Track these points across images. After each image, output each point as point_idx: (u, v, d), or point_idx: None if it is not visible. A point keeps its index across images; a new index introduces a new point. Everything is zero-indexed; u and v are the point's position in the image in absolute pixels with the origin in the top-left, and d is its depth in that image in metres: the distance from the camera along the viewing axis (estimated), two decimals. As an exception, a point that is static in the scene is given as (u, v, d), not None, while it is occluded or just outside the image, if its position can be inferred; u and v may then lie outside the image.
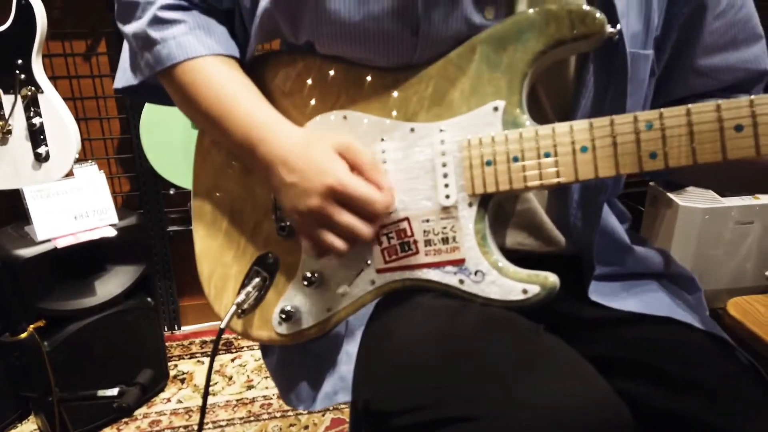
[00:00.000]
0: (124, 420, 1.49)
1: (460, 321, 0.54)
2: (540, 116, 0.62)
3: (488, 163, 0.56)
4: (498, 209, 0.63)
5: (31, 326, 1.05)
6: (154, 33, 0.63)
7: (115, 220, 1.32)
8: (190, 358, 1.72)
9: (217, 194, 0.68)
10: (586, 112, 0.61)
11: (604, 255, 0.66)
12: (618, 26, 0.56)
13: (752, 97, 0.48)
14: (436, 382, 0.49)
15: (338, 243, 0.56)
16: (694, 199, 1.79)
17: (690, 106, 0.50)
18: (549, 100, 0.62)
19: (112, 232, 1.28)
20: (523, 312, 0.58)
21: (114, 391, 0.84)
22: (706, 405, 0.58)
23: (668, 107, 0.51)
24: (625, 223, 0.73)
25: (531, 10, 0.56)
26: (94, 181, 1.28)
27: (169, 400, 1.55)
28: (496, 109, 0.57)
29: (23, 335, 1.04)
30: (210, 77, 0.63)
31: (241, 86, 0.63)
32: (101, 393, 0.83)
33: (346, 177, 0.55)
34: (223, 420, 1.46)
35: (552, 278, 0.55)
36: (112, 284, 1.32)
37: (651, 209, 1.92)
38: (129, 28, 0.66)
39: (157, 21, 0.63)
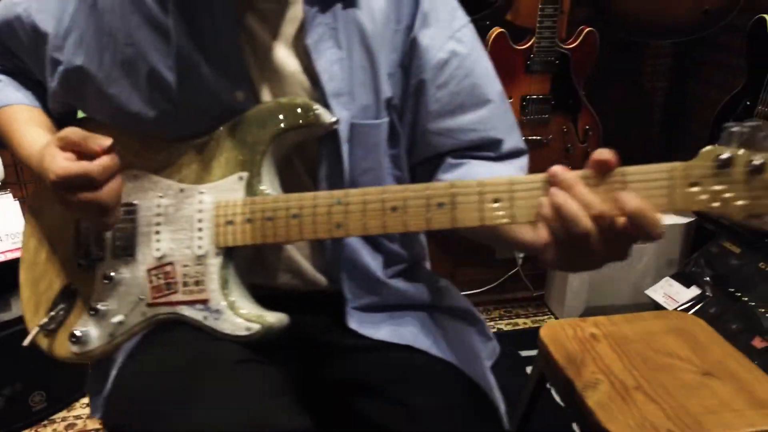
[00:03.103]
0: (42, 423, 1.63)
1: (183, 356, 0.68)
2: (294, 178, 0.75)
3: (229, 223, 0.69)
4: (263, 255, 0.77)
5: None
6: None
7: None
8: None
9: (37, 232, 0.81)
10: (325, 174, 0.74)
11: (357, 289, 0.79)
12: (336, 117, 0.69)
13: (408, 186, 0.62)
14: (147, 410, 0.63)
15: (92, 218, 0.68)
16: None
17: (367, 189, 0.63)
18: (302, 165, 0.76)
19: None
20: (281, 340, 0.72)
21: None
22: (417, 424, 0.71)
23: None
24: (398, 265, 0.85)
25: (272, 101, 0.70)
26: (7, 208, 1.42)
27: (88, 404, 1.68)
28: (241, 178, 0.70)
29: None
30: (11, 116, 0.78)
31: (28, 120, 0.77)
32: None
33: (59, 166, 0.64)
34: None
35: (270, 318, 0.68)
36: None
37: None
38: None
39: None
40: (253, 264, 0.76)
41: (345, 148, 0.72)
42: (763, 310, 1.44)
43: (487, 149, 0.78)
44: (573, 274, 2.00)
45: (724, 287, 1.56)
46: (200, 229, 0.71)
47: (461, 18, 0.79)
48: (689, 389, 0.95)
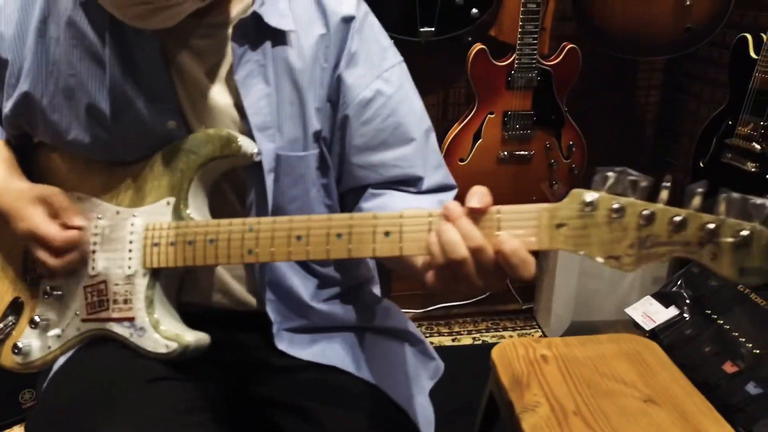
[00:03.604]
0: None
1: (106, 371, 0.72)
2: (225, 204, 0.79)
3: (155, 245, 0.73)
4: (195, 275, 0.80)
5: None
6: None
7: None
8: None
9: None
10: (253, 201, 0.77)
11: (286, 311, 0.82)
12: (257, 149, 0.72)
13: (312, 216, 0.65)
14: (62, 424, 0.68)
15: (43, 269, 0.76)
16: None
17: (279, 218, 0.66)
18: (232, 192, 0.79)
19: None
20: (210, 358, 0.75)
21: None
22: None
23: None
24: (333, 288, 0.87)
25: (201, 131, 0.74)
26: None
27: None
28: (168, 203, 0.74)
29: None
30: None
31: None
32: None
33: (33, 221, 0.73)
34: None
35: (189, 338, 0.72)
36: None
37: (541, 249, 2.04)
38: None
39: None
40: (185, 283, 0.80)
41: (269, 178, 0.75)
42: (736, 334, 1.42)
43: (409, 185, 0.81)
44: (557, 289, 2.00)
45: (702, 309, 1.55)
46: (131, 250, 0.75)
47: (392, 59, 0.82)
48: (629, 416, 0.96)
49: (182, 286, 0.80)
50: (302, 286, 0.83)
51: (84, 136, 0.76)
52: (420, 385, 0.90)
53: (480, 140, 1.77)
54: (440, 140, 1.88)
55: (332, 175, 0.82)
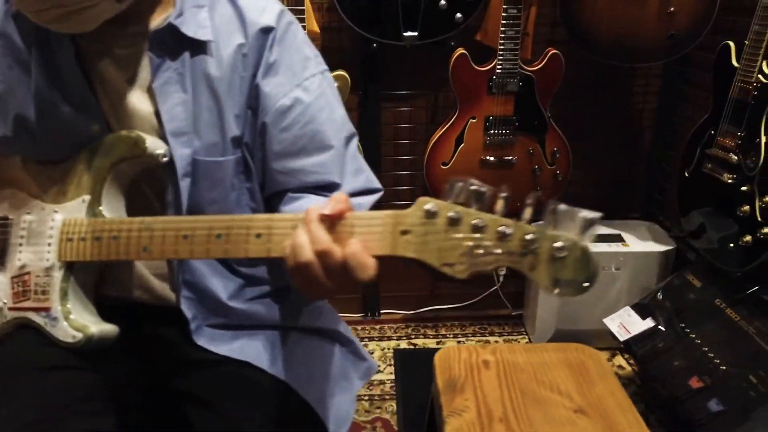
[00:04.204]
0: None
1: (16, 359, 0.76)
2: (146, 203, 0.83)
3: (70, 239, 0.77)
4: (116, 270, 0.84)
5: None
6: None
7: None
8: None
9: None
10: (171, 201, 0.80)
11: (203, 310, 0.85)
12: (163, 151, 0.75)
13: (199, 217, 0.67)
14: None
15: None
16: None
17: (173, 218, 0.69)
18: (151, 191, 0.83)
19: None
20: (129, 350, 0.79)
21: None
22: None
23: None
24: (260, 288, 0.90)
25: (115, 133, 0.78)
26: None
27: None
28: (84, 201, 0.78)
29: None
30: None
31: None
32: None
33: None
34: None
35: (93, 329, 0.76)
36: None
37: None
38: None
39: None
40: (106, 277, 0.84)
41: (184, 182, 0.78)
42: (706, 349, 1.38)
43: (327, 190, 0.82)
44: (542, 296, 1.97)
45: (677, 322, 1.51)
46: (50, 244, 0.79)
47: (313, 68, 0.83)
48: (555, 425, 0.95)
49: (103, 279, 0.84)
50: (221, 285, 0.85)
51: (12, 138, 0.80)
52: (345, 384, 0.92)
53: (462, 144, 1.77)
54: (425, 143, 1.90)
55: (256, 179, 0.84)
